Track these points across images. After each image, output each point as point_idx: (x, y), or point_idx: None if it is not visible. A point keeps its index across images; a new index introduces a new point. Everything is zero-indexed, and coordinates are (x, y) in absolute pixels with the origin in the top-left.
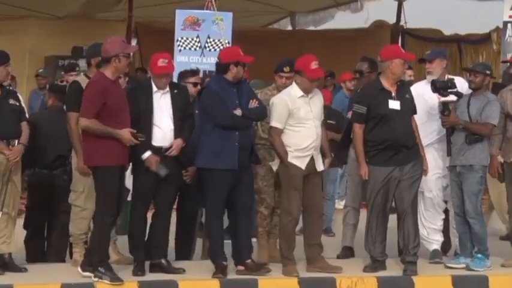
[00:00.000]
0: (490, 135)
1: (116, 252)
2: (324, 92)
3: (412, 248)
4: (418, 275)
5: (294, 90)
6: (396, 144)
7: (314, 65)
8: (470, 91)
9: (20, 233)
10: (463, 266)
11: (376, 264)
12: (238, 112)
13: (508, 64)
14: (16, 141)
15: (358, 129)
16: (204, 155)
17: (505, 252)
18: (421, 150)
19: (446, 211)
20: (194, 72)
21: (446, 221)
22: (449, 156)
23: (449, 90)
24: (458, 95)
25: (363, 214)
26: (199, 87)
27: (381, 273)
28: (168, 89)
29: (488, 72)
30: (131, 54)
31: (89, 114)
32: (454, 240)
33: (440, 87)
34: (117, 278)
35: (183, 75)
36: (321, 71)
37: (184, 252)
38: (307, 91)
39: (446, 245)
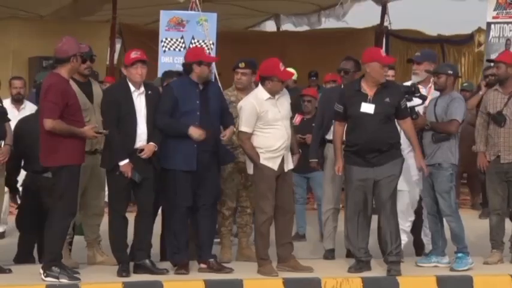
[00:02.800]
0: (456, 132)
1: (101, 253)
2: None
3: (394, 248)
4: (403, 276)
5: (260, 93)
6: (367, 148)
7: (282, 66)
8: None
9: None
10: (435, 264)
11: (360, 264)
12: (195, 131)
13: (492, 64)
14: (2, 142)
15: (337, 126)
16: (164, 155)
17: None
18: (418, 151)
19: (419, 211)
20: (179, 74)
21: (419, 222)
22: (424, 158)
23: (415, 95)
24: (423, 98)
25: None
26: None
27: (366, 274)
28: (142, 89)
29: (450, 72)
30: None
31: (54, 116)
32: (426, 241)
33: (405, 91)
34: (73, 276)
35: (168, 74)
36: (289, 71)
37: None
38: (276, 93)
39: (418, 245)
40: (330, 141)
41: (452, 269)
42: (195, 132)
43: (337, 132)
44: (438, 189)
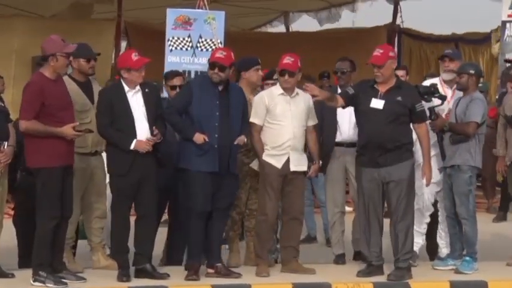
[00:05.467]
0: (473, 134)
1: (105, 258)
2: None
3: (403, 254)
4: (415, 280)
5: (275, 88)
6: (373, 145)
7: (286, 59)
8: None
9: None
10: (451, 267)
11: (370, 268)
12: (198, 138)
13: (508, 65)
14: (6, 143)
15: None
16: (184, 156)
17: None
18: (426, 159)
19: (435, 215)
20: (178, 74)
21: (435, 224)
22: (443, 160)
23: (434, 95)
24: (442, 98)
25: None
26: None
27: (378, 279)
28: (138, 87)
29: (472, 71)
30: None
31: (28, 116)
32: (441, 244)
33: (424, 92)
34: (61, 281)
35: (170, 74)
36: (291, 64)
37: (176, 257)
38: (285, 88)
39: (432, 248)
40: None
41: (457, 271)
42: (199, 138)
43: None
44: (456, 191)
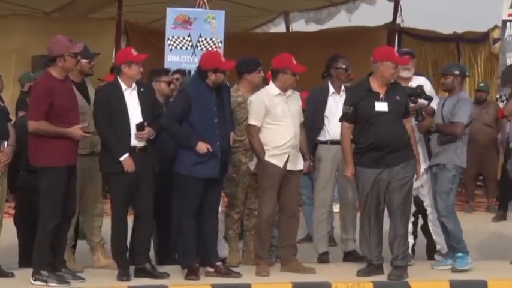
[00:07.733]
0: (461, 135)
1: (105, 257)
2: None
3: (401, 252)
4: (415, 280)
5: (271, 88)
6: (382, 146)
7: (294, 60)
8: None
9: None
10: (450, 267)
11: (370, 268)
12: (202, 148)
13: (507, 65)
14: (5, 143)
15: (345, 129)
16: (185, 162)
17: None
18: (416, 152)
19: (425, 213)
20: (167, 71)
21: (426, 223)
22: (430, 160)
23: (420, 96)
24: (428, 99)
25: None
26: (172, 86)
27: (378, 278)
28: (134, 85)
29: (457, 72)
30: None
31: (37, 117)
32: (439, 240)
33: (410, 93)
34: (64, 280)
35: (154, 73)
36: (302, 65)
37: (170, 256)
38: (287, 88)
39: (430, 249)
40: (322, 142)
41: (453, 269)
42: (202, 148)
43: (344, 135)
44: (438, 189)
